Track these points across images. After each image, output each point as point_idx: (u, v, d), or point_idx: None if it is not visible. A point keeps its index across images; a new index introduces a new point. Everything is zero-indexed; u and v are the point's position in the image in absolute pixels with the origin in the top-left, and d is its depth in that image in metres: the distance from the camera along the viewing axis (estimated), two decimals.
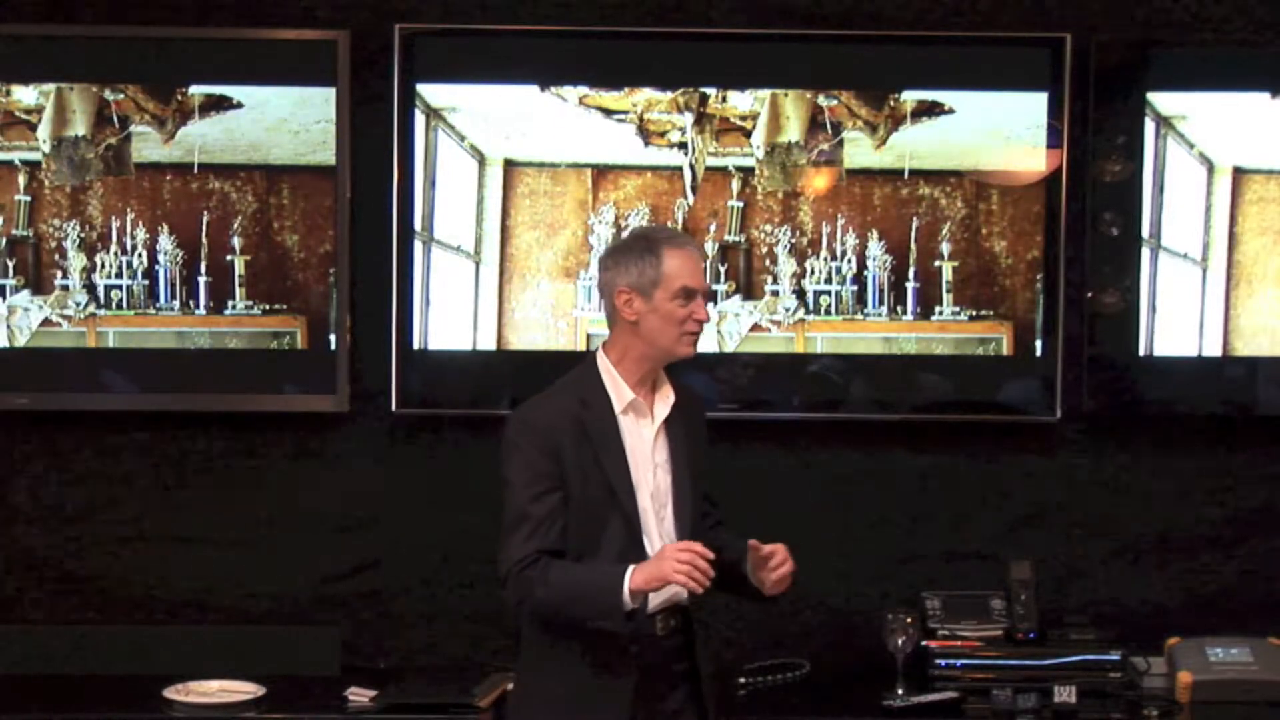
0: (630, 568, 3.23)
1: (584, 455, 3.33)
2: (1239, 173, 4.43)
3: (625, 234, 3.98)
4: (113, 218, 4.35)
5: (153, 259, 4.36)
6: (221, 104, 4.35)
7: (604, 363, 3.42)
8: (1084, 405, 4.43)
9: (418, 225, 4.37)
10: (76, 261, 4.36)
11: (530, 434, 3.35)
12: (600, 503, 3.30)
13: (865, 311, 4.42)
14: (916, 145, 4.40)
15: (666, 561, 3.20)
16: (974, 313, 4.42)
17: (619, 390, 3.39)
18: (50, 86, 4.34)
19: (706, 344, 3.93)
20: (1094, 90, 4.38)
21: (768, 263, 4.41)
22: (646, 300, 3.36)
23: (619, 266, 3.39)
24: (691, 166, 4.40)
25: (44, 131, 4.35)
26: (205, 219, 4.37)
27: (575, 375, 3.45)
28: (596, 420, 3.36)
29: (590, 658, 3.33)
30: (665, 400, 3.43)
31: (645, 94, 4.39)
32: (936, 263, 4.41)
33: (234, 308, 4.38)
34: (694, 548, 3.20)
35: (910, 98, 4.39)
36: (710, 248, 4.38)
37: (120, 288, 4.37)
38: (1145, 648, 4.29)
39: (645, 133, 4.40)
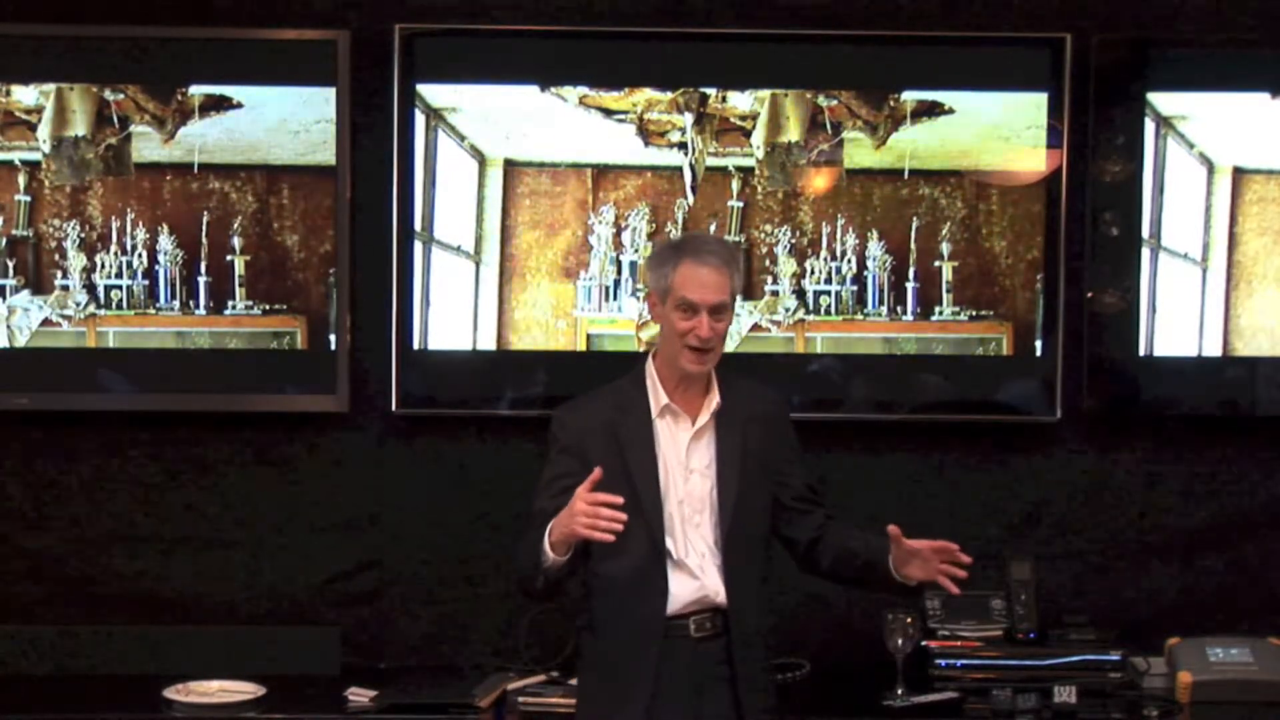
0: (551, 523, 3.24)
1: (611, 458, 3.34)
2: (1239, 173, 4.43)
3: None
4: (113, 218, 4.35)
5: (153, 259, 4.36)
6: (221, 104, 4.35)
7: (649, 367, 3.46)
8: (1084, 405, 4.43)
9: (418, 225, 4.36)
10: (76, 261, 4.36)
11: (561, 432, 3.42)
12: (625, 506, 3.28)
13: (865, 311, 4.41)
14: (916, 145, 4.40)
15: (571, 514, 3.17)
16: (974, 313, 4.42)
17: (656, 394, 3.41)
18: (50, 86, 4.33)
19: None
20: (1094, 90, 4.38)
21: (768, 263, 4.41)
22: (662, 306, 3.39)
23: (649, 269, 3.45)
24: (691, 166, 4.40)
25: (44, 131, 4.34)
26: (205, 219, 4.36)
27: (626, 378, 3.48)
28: (629, 424, 3.39)
29: (616, 654, 3.37)
30: (709, 405, 3.43)
31: (645, 94, 4.39)
32: (936, 263, 4.41)
33: (234, 308, 4.38)
34: (598, 498, 3.15)
35: (910, 98, 4.39)
36: None
37: (120, 288, 4.37)
38: (1145, 648, 4.28)
39: (645, 133, 4.40)
